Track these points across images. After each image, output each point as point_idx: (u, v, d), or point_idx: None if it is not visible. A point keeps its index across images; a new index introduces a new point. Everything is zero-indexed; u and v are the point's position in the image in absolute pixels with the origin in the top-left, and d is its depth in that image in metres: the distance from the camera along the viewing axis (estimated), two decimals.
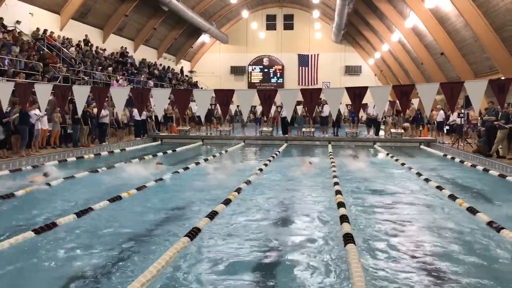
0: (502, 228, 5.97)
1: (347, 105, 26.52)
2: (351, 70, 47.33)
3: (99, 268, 4.92)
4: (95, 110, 16.47)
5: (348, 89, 9.82)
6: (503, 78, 18.79)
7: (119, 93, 11.10)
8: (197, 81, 44.90)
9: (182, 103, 10.77)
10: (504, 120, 13.44)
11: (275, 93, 10.08)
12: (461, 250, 5.63)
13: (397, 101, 11.75)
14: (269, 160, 13.62)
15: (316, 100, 10.01)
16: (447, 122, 19.99)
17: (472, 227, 6.54)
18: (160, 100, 10.41)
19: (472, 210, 7.10)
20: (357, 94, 9.68)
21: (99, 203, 7.52)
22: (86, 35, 26.62)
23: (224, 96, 10.33)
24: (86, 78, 21.93)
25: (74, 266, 4.97)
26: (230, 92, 10.38)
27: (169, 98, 11.48)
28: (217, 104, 13.72)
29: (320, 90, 10.37)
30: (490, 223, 6.28)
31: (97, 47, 27.25)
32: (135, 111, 18.98)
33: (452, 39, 23.19)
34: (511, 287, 4.64)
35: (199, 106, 11.04)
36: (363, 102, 15.60)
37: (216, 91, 10.75)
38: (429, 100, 9.67)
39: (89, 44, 26.55)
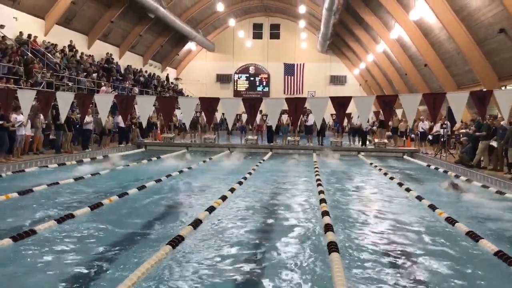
0: (481, 238, 6.03)
1: (331, 114, 26.74)
2: (336, 80, 47.73)
3: (77, 276, 4.84)
4: (78, 116, 16.33)
5: (332, 99, 9.89)
6: (484, 90, 19.14)
7: (104, 100, 11.00)
8: (182, 89, 44.80)
9: (166, 111, 10.72)
10: (485, 132, 13.65)
11: (260, 102, 10.09)
12: (439, 260, 5.68)
13: (381, 111, 11.85)
14: (254, 169, 13.62)
15: (301, 109, 10.06)
16: (430, 133, 20.23)
17: (452, 237, 6.61)
18: (144, 107, 10.34)
19: (450, 221, 7.16)
20: (341, 103, 9.75)
21: (80, 209, 7.43)
22: (71, 41, 26.39)
23: (209, 104, 10.31)
24: (70, 84, 21.72)
25: (51, 274, 4.88)
26: (215, 100, 10.37)
27: (154, 105, 11.40)
28: (202, 112, 13.68)
29: (304, 99, 10.42)
30: (469, 233, 6.34)
31: (82, 53, 27.04)
32: (119, 118, 18.86)
33: (435, 51, 23.55)
34: None
35: (184, 113, 11.01)
36: (348, 111, 15.76)
37: (201, 99, 10.73)
38: (412, 111, 9.79)
39: (74, 49, 26.33)
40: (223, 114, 21.91)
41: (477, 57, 19.10)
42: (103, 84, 24.31)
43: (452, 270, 5.28)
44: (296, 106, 9.63)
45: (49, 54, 22.27)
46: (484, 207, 9.03)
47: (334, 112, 12.13)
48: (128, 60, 34.74)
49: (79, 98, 11.31)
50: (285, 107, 10.79)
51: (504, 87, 18.70)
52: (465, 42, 19.23)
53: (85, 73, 24.35)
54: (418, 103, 9.80)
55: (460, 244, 6.24)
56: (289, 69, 47.60)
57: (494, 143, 13.56)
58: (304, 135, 24.45)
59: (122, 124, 19.50)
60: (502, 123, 13.15)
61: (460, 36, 19.32)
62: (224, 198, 8.75)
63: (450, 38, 20.34)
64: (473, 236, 6.20)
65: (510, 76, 18.16)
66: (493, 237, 6.53)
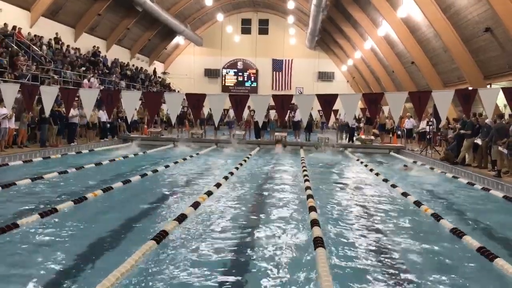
0: (464, 234, 6.09)
1: (319, 111, 26.80)
2: (324, 76, 47.82)
3: (60, 271, 4.79)
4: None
5: (319, 96, 9.89)
6: (470, 88, 19.30)
7: (88, 94, 10.86)
8: (170, 83, 44.52)
9: (152, 106, 10.62)
10: (470, 130, 13.79)
11: (247, 98, 10.05)
12: (422, 255, 5.73)
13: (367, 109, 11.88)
14: (241, 164, 13.61)
15: (287, 106, 10.03)
16: (417, 130, 20.38)
17: (436, 233, 6.67)
18: (130, 102, 10.23)
19: (436, 217, 7.22)
20: (327, 101, 9.75)
21: (64, 203, 7.35)
22: (57, 33, 26.03)
23: (195, 100, 10.24)
24: (56, 77, 21.44)
25: (36, 267, 4.84)
26: (202, 96, 10.30)
27: (140, 100, 11.30)
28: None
29: (291, 96, 10.41)
30: (453, 230, 6.40)
31: (68, 46, 26.71)
32: (101, 112, 18.67)
33: (422, 49, 23.68)
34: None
35: (170, 109, 10.92)
36: (335, 108, 15.79)
37: (187, 95, 10.64)
38: (398, 108, 9.84)
39: (60, 42, 25.98)
40: (210, 109, 21.81)
41: (463, 55, 19.24)
42: (89, 77, 23.96)
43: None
44: (283, 102, 9.62)
45: (34, 47, 21.95)
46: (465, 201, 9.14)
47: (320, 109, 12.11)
48: (115, 53, 34.39)
49: (64, 92, 11.15)
50: (272, 103, 10.80)
51: (489, 85, 18.87)
52: (452, 40, 19.35)
53: (71, 66, 24.05)
54: (404, 101, 9.85)
55: (444, 239, 6.30)
56: (278, 65, 47.57)
57: (478, 141, 13.70)
58: (292, 131, 24.49)
59: (104, 119, 19.24)
60: (486, 121, 13.30)
61: (447, 34, 19.43)
62: (209, 193, 8.72)
63: (437, 36, 20.47)
64: (458, 233, 6.26)
65: (495, 75, 18.33)
66: (478, 233, 6.61)
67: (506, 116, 13.45)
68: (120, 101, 10.36)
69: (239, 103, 9.69)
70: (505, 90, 9.06)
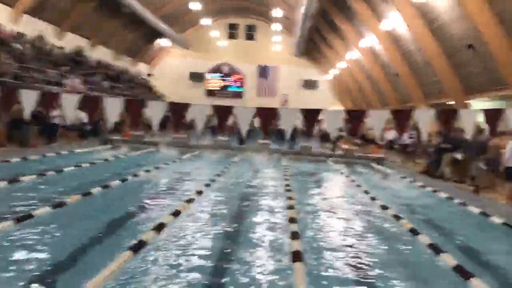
0: (442, 251, 6.13)
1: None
2: (309, 84, 48.16)
3: (34, 280, 4.69)
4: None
5: (302, 110, 9.94)
6: (451, 103, 19.62)
7: (70, 99, 10.70)
8: (154, 85, 44.29)
9: (134, 114, 10.51)
10: (451, 144, 13.99)
11: (230, 109, 10.03)
12: (399, 271, 5.78)
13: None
14: (223, 171, 13.54)
15: (271, 119, 10.07)
16: (398, 142, 20.58)
17: (414, 248, 6.73)
18: (112, 108, 10.10)
19: (414, 232, 7.27)
20: (311, 115, 9.82)
21: (41, 209, 7.20)
22: (40, 31, 25.71)
23: (178, 109, 10.18)
24: (36, 75, 21.14)
25: (7, 274, 4.73)
26: (185, 106, 10.24)
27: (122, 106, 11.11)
28: None
29: (275, 110, 10.43)
30: (431, 246, 6.45)
31: (52, 44, 26.39)
32: (83, 114, 18.43)
33: (406, 61, 24.01)
34: None
35: (152, 116, 10.79)
36: (320, 118, 15.82)
37: (170, 103, 10.58)
38: (379, 124, 9.95)
39: (43, 40, 25.66)
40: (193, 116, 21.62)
41: (446, 70, 19.58)
42: (72, 77, 23.68)
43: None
44: (267, 116, 9.64)
45: (16, 44, 21.63)
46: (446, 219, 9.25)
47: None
48: (100, 53, 34.15)
49: (45, 96, 10.97)
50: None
51: (470, 100, 19.22)
52: (435, 54, 19.68)
53: (54, 65, 23.76)
54: (386, 117, 9.98)
55: (421, 254, 6.36)
56: (263, 71, 47.80)
57: (458, 156, 13.90)
58: (275, 139, 24.48)
59: (85, 120, 18.99)
60: (467, 137, 13.49)
61: (430, 48, 19.76)
62: (190, 201, 8.65)
63: (421, 49, 20.78)
64: (435, 249, 6.31)
65: (476, 90, 18.67)
66: (455, 249, 6.68)
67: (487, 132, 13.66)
68: (102, 105, 10.21)
69: (223, 114, 9.67)
70: (485, 111, 9.23)
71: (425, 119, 9.45)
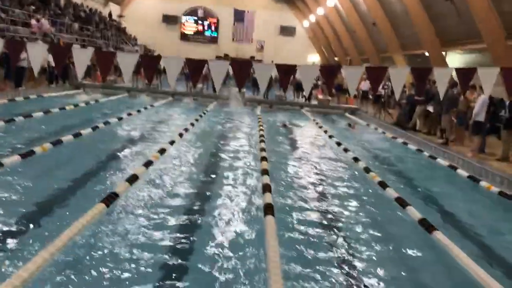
0: (408, 205, 6.31)
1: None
2: (286, 31, 47.35)
3: (4, 232, 4.66)
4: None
5: (278, 66, 9.80)
6: (427, 54, 19.63)
7: (37, 49, 10.21)
8: (125, 27, 42.76)
9: (104, 66, 10.14)
10: (424, 97, 14.14)
11: (204, 64, 9.77)
12: (365, 224, 5.96)
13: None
14: (196, 119, 13.43)
15: (246, 73, 9.90)
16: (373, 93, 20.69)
17: (382, 202, 6.92)
18: (81, 59, 9.70)
19: (382, 185, 7.42)
20: (286, 71, 9.71)
21: (10, 157, 7.05)
22: None
23: (150, 62, 9.89)
24: (3, 15, 20.08)
25: None
26: (157, 59, 9.96)
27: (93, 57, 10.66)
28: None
29: (250, 64, 10.25)
30: (397, 199, 6.62)
31: None
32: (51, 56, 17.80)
33: (384, 10, 23.73)
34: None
35: (123, 69, 10.42)
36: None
37: (142, 56, 10.26)
38: (354, 81, 9.94)
39: None
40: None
41: (423, 21, 19.46)
42: (37, 17, 22.56)
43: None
44: (241, 69, 9.47)
45: None
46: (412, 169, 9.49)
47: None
48: None
49: (11, 43, 10.45)
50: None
51: (445, 52, 19.29)
52: (413, 4, 19.47)
53: (19, 4, 22.56)
54: (360, 74, 9.96)
55: (388, 208, 6.55)
56: (239, 16, 46.48)
57: (430, 108, 14.10)
58: (250, 86, 24.28)
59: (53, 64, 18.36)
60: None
61: None
62: (162, 151, 8.59)
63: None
64: (401, 203, 6.49)
65: (452, 42, 18.71)
66: (421, 202, 6.90)
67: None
68: (71, 54, 9.80)
69: (196, 68, 9.45)
70: (458, 71, 9.30)
71: (399, 77, 9.48)
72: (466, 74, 9.28)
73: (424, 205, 7.01)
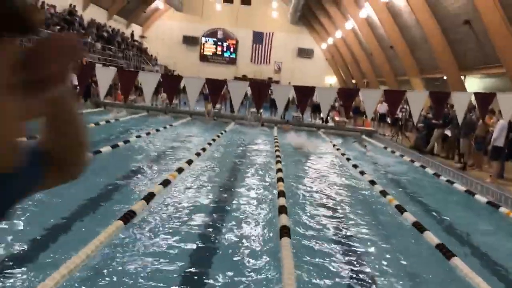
0: (425, 230, 6.26)
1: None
2: (304, 53, 47.67)
3: (21, 250, 4.75)
4: None
5: (296, 87, 9.90)
6: (445, 78, 19.58)
7: None
8: (147, 48, 43.60)
9: (126, 84, 10.39)
10: (442, 121, 14.07)
11: (223, 84, 9.94)
12: (383, 247, 5.92)
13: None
14: (214, 140, 13.55)
15: (264, 94, 10.04)
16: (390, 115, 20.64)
17: (399, 226, 6.87)
18: (104, 78, 9.95)
19: (399, 208, 7.38)
20: (304, 93, 9.80)
21: None
22: None
23: (171, 81, 10.09)
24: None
25: None
26: (178, 79, 10.15)
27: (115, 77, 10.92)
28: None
29: (268, 85, 10.39)
30: (415, 224, 6.57)
31: (43, 3, 25.73)
32: (74, 75, 18.19)
33: (402, 35, 23.80)
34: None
35: (145, 87, 10.66)
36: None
37: (163, 76, 10.48)
38: (372, 103, 9.97)
39: None
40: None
41: (441, 45, 19.44)
42: None
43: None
44: (260, 90, 9.60)
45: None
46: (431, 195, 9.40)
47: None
48: (92, 13, 33.38)
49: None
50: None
51: (463, 76, 19.21)
52: (431, 29, 19.50)
53: (45, 25, 23.25)
54: (378, 97, 9.97)
55: (405, 232, 6.50)
56: (258, 37, 47.04)
57: (448, 132, 14.01)
58: (268, 107, 24.42)
59: (76, 82, 18.77)
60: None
61: (427, 22, 19.57)
62: (180, 170, 8.69)
63: (417, 23, 20.58)
64: (419, 228, 6.44)
65: (470, 67, 18.64)
66: (439, 228, 6.83)
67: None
68: (94, 73, 10.06)
69: (216, 88, 9.62)
70: (477, 95, 9.26)
71: (418, 101, 9.48)
72: (485, 98, 9.24)
73: (441, 230, 6.93)
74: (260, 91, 9.66)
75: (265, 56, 47.09)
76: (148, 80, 10.23)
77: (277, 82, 39.16)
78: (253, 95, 10.45)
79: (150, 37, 46.48)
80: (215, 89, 9.55)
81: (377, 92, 10.13)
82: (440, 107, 9.46)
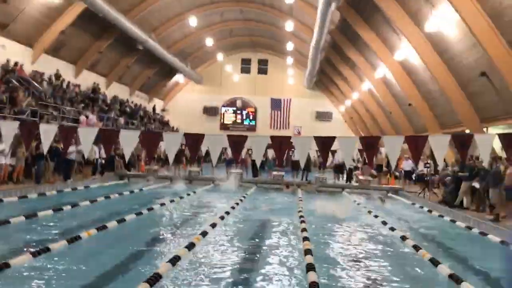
0: (463, 281, 5.97)
1: (317, 150, 26.80)
2: (322, 116, 48.21)
3: None
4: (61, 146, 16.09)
5: (316, 138, 9.95)
6: (467, 131, 19.46)
7: (87, 132, 10.87)
8: (168, 120, 44.75)
9: (150, 146, 10.61)
10: (468, 173, 13.78)
11: (245, 139, 10.06)
12: None
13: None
14: (237, 203, 13.48)
15: (285, 147, 10.08)
16: (416, 172, 20.36)
17: (434, 279, 6.57)
18: (128, 141, 10.21)
19: (434, 262, 7.10)
20: (325, 143, 9.83)
21: (57, 242, 7.22)
22: (57, 70, 26.33)
23: (193, 140, 10.27)
24: (55, 113, 21.54)
25: None
26: (200, 136, 10.32)
27: (138, 137, 11.25)
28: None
29: (289, 138, 10.45)
30: (451, 276, 6.29)
31: (68, 82, 26.96)
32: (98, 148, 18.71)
33: (419, 91, 23.96)
34: None
35: (168, 148, 10.87)
36: (333, 148, 15.85)
37: (186, 135, 10.67)
38: (394, 152, 9.89)
39: (61, 78, 26.25)
40: (208, 147, 21.89)
41: (460, 99, 19.44)
42: (86, 113, 24.06)
43: None
44: (281, 144, 9.67)
45: (34, 82, 22.14)
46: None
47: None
48: (115, 90, 34.75)
49: (63, 130, 11.16)
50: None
51: (485, 128, 19.02)
52: (448, 83, 19.60)
53: (70, 102, 24.23)
54: (400, 144, 9.90)
55: (442, 285, 6.19)
56: (276, 104, 47.96)
57: (476, 184, 13.69)
58: (290, 170, 24.41)
59: (101, 155, 19.27)
60: (483, 164, 13.32)
61: (443, 77, 19.71)
62: (204, 233, 8.60)
63: (434, 79, 20.75)
64: (455, 279, 6.14)
65: (491, 118, 18.49)
66: (475, 279, 6.49)
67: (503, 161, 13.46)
68: (118, 139, 10.31)
69: (237, 144, 9.72)
70: (500, 136, 9.14)
71: (440, 146, 9.37)
72: (508, 138, 9.09)
73: (478, 282, 6.58)
74: (282, 144, 9.70)
75: (284, 121, 47.75)
76: (171, 140, 10.41)
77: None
78: (274, 150, 10.49)
79: (171, 110, 47.84)
80: (236, 145, 9.65)
81: (399, 138, 10.04)
82: (464, 151, 9.32)
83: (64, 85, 26.18)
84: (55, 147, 15.74)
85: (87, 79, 30.29)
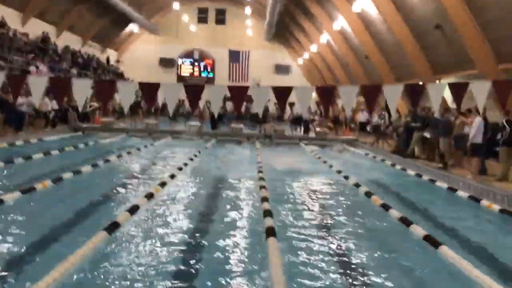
0: (411, 223, 6.29)
1: (275, 103, 26.89)
2: (281, 69, 48.08)
3: (6, 263, 4.63)
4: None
5: (274, 89, 9.95)
6: (420, 83, 19.97)
7: (37, 82, 10.38)
8: (123, 72, 43.46)
9: (104, 95, 10.28)
10: (420, 123, 14.27)
11: (202, 88, 9.92)
12: (374, 245, 5.93)
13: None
14: (195, 155, 13.47)
15: (243, 98, 10.03)
16: (371, 123, 20.87)
17: (385, 223, 6.91)
18: (81, 91, 9.83)
19: (385, 207, 7.42)
20: (282, 93, 9.87)
21: (11, 194, 7.05)
22: (2, 17, 24.79)
23: (149, 90, 10.03)
24: (2, 63, 20.47)
25: None
26: (155, 86, 10.09)
27: (92, 88, 10.86)
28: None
29: (247, 88, 10.35)
30: (401, 219, 6.60)
31: (15, 31, 25.51)
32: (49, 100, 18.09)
33: (376, 43, 24.19)
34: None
35: (123, 98, 10.59)
36: (291, 101, 15.93)
37: (140, 84, 10.38)
38: (350, 102, 10.06)
39: (6, 26, 24.77)
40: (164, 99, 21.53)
41: (415, 51, 19.81)
42: (37, 64, 23.01)
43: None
44: (239, 94, 9.61)
45: None
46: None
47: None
48: (66, 40, 33.18)
49: (11, 79, 10.63)
50: (228, 94, 10.72)
51: (438, 80, 19.56)
52: (404, 36, 19.88)
53: (18, 52, 23.04)
54: (355, 94, 10.07)
55: (392, 228, 6.52)
56: (235, 56, 47.24)
57: (427, 134, 14.20)
58: (249, 123, 24.51)
59: (54, 107, 18.64)
60: (434, 115, 13.78)
61: (400, 29, 19.95)
62: (163, 184, 8.60)
63: (390, 31, 20.96)
64: (407, 223, 6.46)
65: (444, 71, 19.01)
66: (424, 223, 6.87)
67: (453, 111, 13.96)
68: (70, 89, 9.93)
69: (194, 94, 9.59)
70: (451, 85, 9.45)
71: (394, 95, 9.61)
72: (459, 89, 9.43)
73: (426, 224, 6.96)
74: (240, 94, 9.67)
75: (243, 74, 47.27)
76: (126, 89, 10.14)
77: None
78: (232, 100, 10.43)
79: (126, 61, 46.40)
80: (194, 94, 9.52)
81: (354, 88, 10.19)
82: (416, 101, 9.63)
83: (11, 34, 24.75)
84: (4, 98, 15.07)
85: (35, 28, 28.70)
